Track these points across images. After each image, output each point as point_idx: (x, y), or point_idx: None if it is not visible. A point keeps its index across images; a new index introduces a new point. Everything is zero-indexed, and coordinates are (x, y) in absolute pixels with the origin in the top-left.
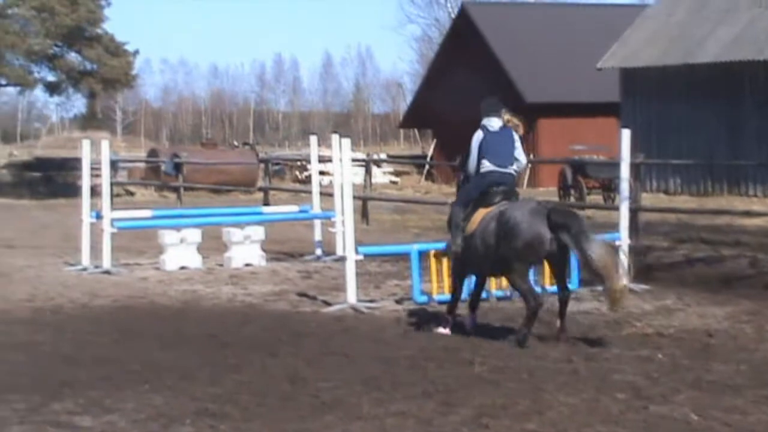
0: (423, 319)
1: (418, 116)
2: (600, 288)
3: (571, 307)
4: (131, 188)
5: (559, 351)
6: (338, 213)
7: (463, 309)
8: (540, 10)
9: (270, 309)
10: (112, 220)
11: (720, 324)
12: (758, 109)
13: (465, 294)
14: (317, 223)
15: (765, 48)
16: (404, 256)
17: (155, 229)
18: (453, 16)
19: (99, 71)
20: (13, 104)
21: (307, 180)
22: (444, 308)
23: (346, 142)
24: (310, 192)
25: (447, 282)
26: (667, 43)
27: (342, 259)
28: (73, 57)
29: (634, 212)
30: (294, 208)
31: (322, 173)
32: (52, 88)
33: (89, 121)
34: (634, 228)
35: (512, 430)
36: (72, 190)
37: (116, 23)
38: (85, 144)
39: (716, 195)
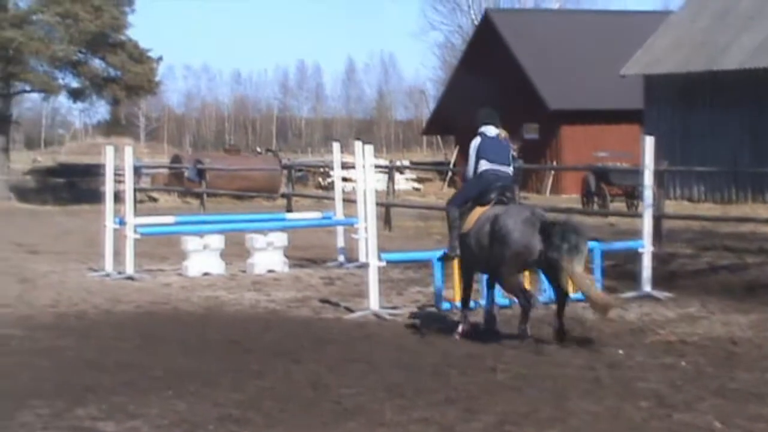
0: (437, 325)
1: (440, 123)
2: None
3: (595, 314)
4: (154, 194)
5: (582, 358)
6: (361, 219)
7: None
8: (563, 16)
9: (292, 315)
10: (136, 226)
11: (744, 332)
12: None
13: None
14: (340, 229)
15: None
16: (427, 263)
17: (178, 235)
18: (476, 23)
19: (122, 78)
20: (37, 110)
21: (330, 186)
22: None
23: (369, 148)
24: (332, 198)
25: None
26: (691, 49)
27: (365, 266)
28: (96, 63)
29: (657, 219)
30: (317, 214)
31: (345, 180)
32: (75, 95)
33: (113, 128)
34: (658, 235)
35: None
36: (95, 196)
37: (140, 30)
38: (109, 150)
39: (740, 202)
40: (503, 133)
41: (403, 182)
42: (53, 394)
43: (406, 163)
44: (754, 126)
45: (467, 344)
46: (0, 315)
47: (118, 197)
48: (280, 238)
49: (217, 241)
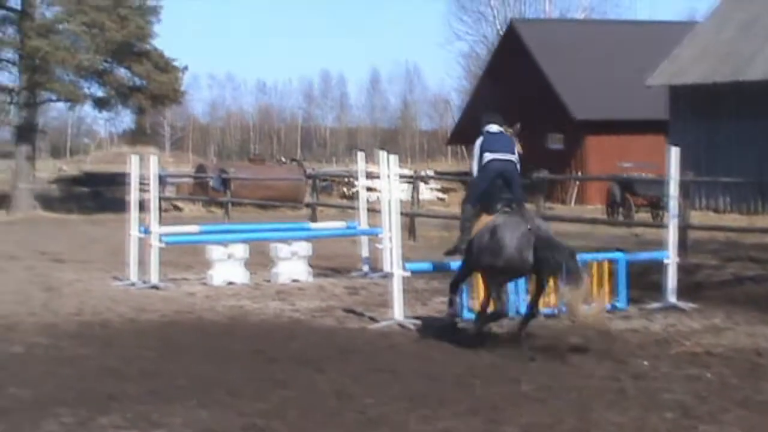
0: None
1: (465, 133)
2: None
3: (620, 324)
4: (179, 203)
5: (606, 369)
6: (385, 229)
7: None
8: (588, 27)
9: (317, 325)
10: (160, 235)
11: None
12: None
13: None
14: (364, 239)
15: None
16: (451, 273)
17: (203, 244)
18: (501, 33)
19: (148, 87)
20: (62, 119)
21: (354, 196)
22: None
23: (394, 158)
24: (357, 208)
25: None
26: (717, 60)
27: (389, 276)
28: (122, 73)
29: (682, 230)
30: (341, 224)
31: (369, 189)
32: (101, 104)
33: (137, 137)
34: (683, 246)
35: None
36: (120, 205)
37: (165, 39)
38: (134, 159)
39: (766, 213)
40: (509, 130)
41: (427, 192)
42: (77, 403)
43: (431, 173)
44: None
45: (491, 354)
46: (25, 323)
47: (142, 206)
48: (305, 248)
49: (241, 251)
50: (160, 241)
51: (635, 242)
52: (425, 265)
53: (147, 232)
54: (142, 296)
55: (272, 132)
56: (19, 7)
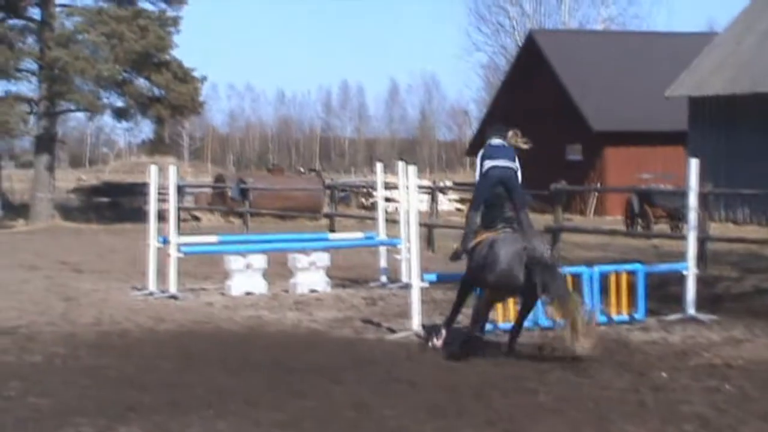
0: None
1: (483, 144)
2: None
3: (639, 336)
4: (197, 213)
5: (625, 381)
6: (404, 240)
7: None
8: (608, 38)
9: (335, 335)
10: (179, 245)
11: None
12: None
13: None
14: (383, 249)
15: None
16: None
17: (221, 254)
18: (520, 44)
19: (167, 97)
20: (81, 129)
21: (373, 207)
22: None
23: (412, 169)
24: (375, 219)
25: (512, 309)
26: (736, 71)
27: (407, 287)
28: (141, 83)
29: (701, 242)
30: (359, 234)
31: (387, 200)
32: (120, 114)
33: (156, 147)
34: (702, 258)
35: None
36: (139, 215)
37: (184, 49)
38: (153, 169)
39: None
40: (516, 135)
41: (446, 203)
42: (96, 413)
43: (449, 183)
44: None
45: (509, 366)
46: (44, 333)
47: (161, 216)
48: (323, 258)
49: (259, 261)
50: (179, 251)
51: (654, 254)
52: (444, 276)
53: (166, 242)
54: (161, 306)
55: (291, 142)
56: (39, 18)
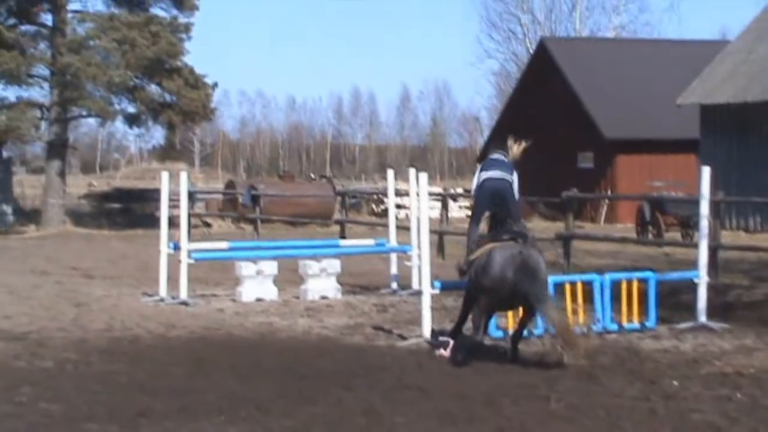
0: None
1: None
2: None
3: (650, 344)
4: (208, 219)
5: (636, 389)
6: (414, 247)
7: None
8: (619, 45)
9: (345, 342)
10: (190, 252)
11: None
12: None
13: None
14: (393, 256)
15: None
16: None
17: (232, 260)
18: (532, 51)
19: (178, 103)
20: (93, 135)
21: (384, 213)
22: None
23: (423, 176)
24: (386, 225)
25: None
26: (748, 79)
27: (418, 293)
28: (153, 89)
29: (713, 250)
30: (370, 241)
31: (398, 207)
32: (131, 120)
33: (167, 153)
34: (713, 266)
35: None
36: (150, 221)
37: (196, 56)
38: (164, 175)
39: None
40: (515, 145)
41: (456, 210)
42: (106, 419)
43: (460, 191)
44: None
45: (520, 373)
46: (55, 339)
47: (172, 222)
48: (334, 265)
49: (270, 267)
50: (190, 257)
51: (665, 261)
52: (454, 283)
53: (177, 248)
54: (172, 312)
55: (302, 149)
56: (51, 24)
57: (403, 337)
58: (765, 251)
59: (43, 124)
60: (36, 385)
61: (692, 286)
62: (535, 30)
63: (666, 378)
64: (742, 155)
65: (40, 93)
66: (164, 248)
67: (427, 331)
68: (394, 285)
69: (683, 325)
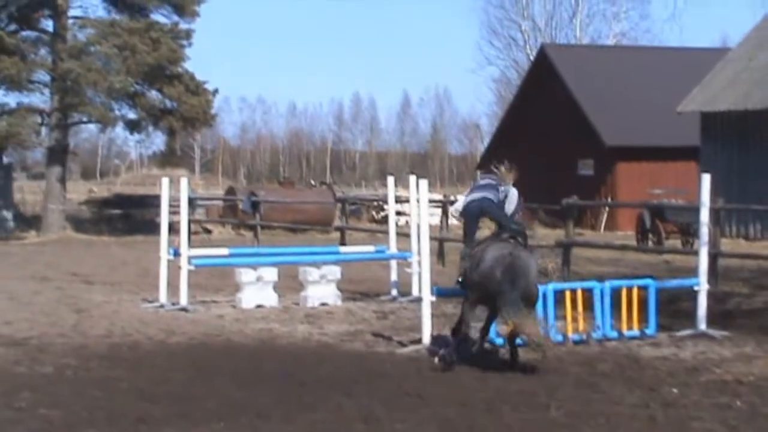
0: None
1: (495, 158)
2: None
3: (650, 352)
4: (208, 226)
5: (636, 396)
6: (415, 253)
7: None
8: (620, 53)
9: (345, 349)
10: (190, 258)
11: None
12: None
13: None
14: (393, 263)
15: None
16: None
17: (232, 267)
18: (532, 58)
19: (179, 109)
20: (93, 141)
21: (384, 220)
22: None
23: (424, 182)
24: (386, 232)
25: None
26: (748, 87)
27: (418, 300)
28: (153, 95)
29: (713, 257)
30: (370, 248)
31: (398, 213)
32: (132, 126)
33: (168, 159)
34: (713, 273)
35: None
36: (150, 227)
37: (196, 62)
38: (164, 182)
39: None
40: (501, 169)
41: (456, 217)
42: (106, 424)
43: (461, 197)
44: None
45: (520, 380)
46: (55, 344)
47: (172, 228)
48: (334, 272)
49: (270, 274)
50: (190, 263)
51: (665, 269)
52: (454, 290)
53: (177, 254)
54: (172, 318)
55: (302, 155)
56: (51, 30)
57: (403, 344)
58: (765, 259)
59: (44, 130)
60: (36, 391)
61: (692, 294)
62: (535, 37)
63: (666, 385)
64: (742, 163)
65: (40, 99)
66: (164, 254)
67: (427, 337)
68: (394, 292)
69: (683, 333)
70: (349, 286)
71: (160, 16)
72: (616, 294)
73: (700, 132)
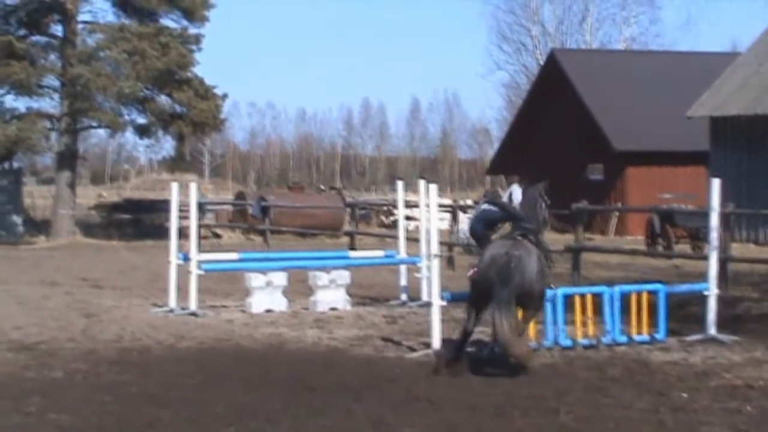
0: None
1: (505, 163)
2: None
3: (659, 357)
4: (218, 231)
5: (645, 401)
6: (424, 258)
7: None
8: (629, 57)
9: (355, 354)
10: (199, 263)
11: None
12: None
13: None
14: (403, 268)
15: None
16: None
17: (242, 271)
18: (542, 62)
19: (188, 114)
20: (103, 146)
21: (393, 225)
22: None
23: (433, 187)
24: (396, 237)
25: (532, 328)
26: (758, 92)
27: (427, 305)
28: (163, 100)
29: (723, 262)
30: (380, 252)
31: (408, 218)
32: (141, 131)
33: (177, 164)
34: (723, 278)
35: None
36: (159, 232)
37: (206, 67)
38: (174, 187)
39: None
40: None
41: (466, 222)
42: (116, 429)
43: (470, 202)
44: None
45: (530, 385)
46: (65, 349)
47: (182, 233)
48: (343, 276)
49: (280, 278)
50: (200, 268)
51: (675, 274)
52: (464, 295)
53: (186, 259)
54: (181, 323)
55: (312, 160)
56: (61, 34)
57: (412, 349)
58: None
59: (54, 135)
60: (45, 396)
61: (702, 299)
62: (545, 42)
63: (675, 390)
64: (752, 167)
65: (50, 104)
66: (174, 259)
67: (436, 342)
68: (404, 296)
69: (693, 338)
70: (358, 291)
71: (170, 21)
72: (625, 298)
73: (709, 137)
